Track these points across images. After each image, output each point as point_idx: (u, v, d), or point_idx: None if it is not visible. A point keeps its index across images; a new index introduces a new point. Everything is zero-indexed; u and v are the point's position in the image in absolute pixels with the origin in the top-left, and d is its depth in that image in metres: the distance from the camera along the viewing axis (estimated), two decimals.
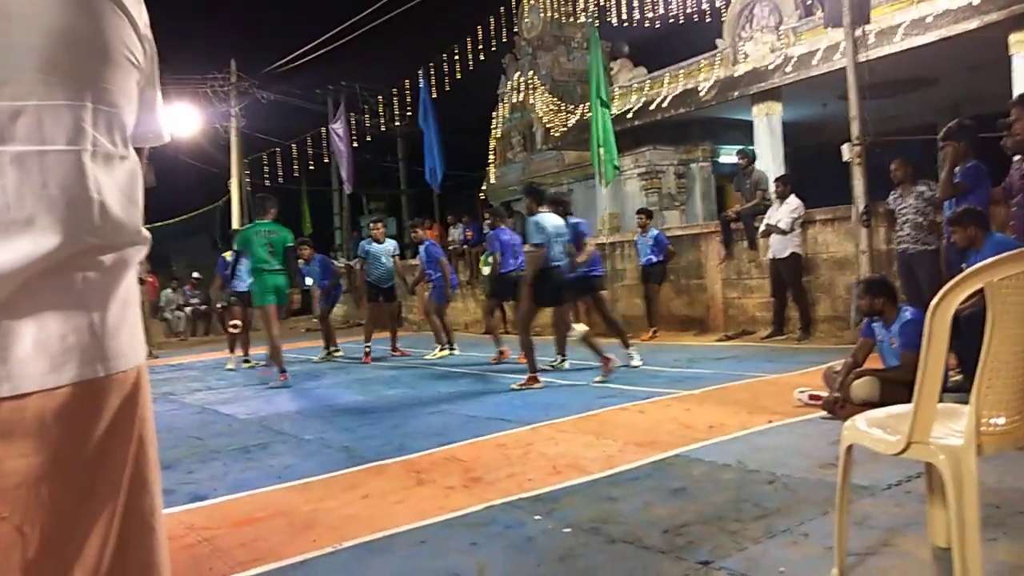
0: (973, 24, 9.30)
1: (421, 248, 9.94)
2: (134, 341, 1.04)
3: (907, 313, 4.63)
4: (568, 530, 2.91)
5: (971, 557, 1.86)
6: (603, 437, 4.46)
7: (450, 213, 15.04)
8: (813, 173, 12.43)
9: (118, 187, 1.01)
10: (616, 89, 14.89)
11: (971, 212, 5.19)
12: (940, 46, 9.76)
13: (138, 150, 1.11)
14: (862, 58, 8.22)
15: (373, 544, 2.90)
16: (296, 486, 3.82)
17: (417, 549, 2.83)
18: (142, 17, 1.08)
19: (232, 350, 10.08)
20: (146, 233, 1.06)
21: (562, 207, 7.27)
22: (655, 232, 10.33)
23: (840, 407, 4.49)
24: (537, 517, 3.09)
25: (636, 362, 7.32)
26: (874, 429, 2.21)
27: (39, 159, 0.93)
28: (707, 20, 13.01)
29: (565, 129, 16.06)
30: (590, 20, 12.60)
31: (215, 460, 4.55)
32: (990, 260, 1.87)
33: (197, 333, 17.66)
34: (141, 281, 13.06)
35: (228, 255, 9.62)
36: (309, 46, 15.74)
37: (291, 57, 16.39)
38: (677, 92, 13.77)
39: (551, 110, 16.54)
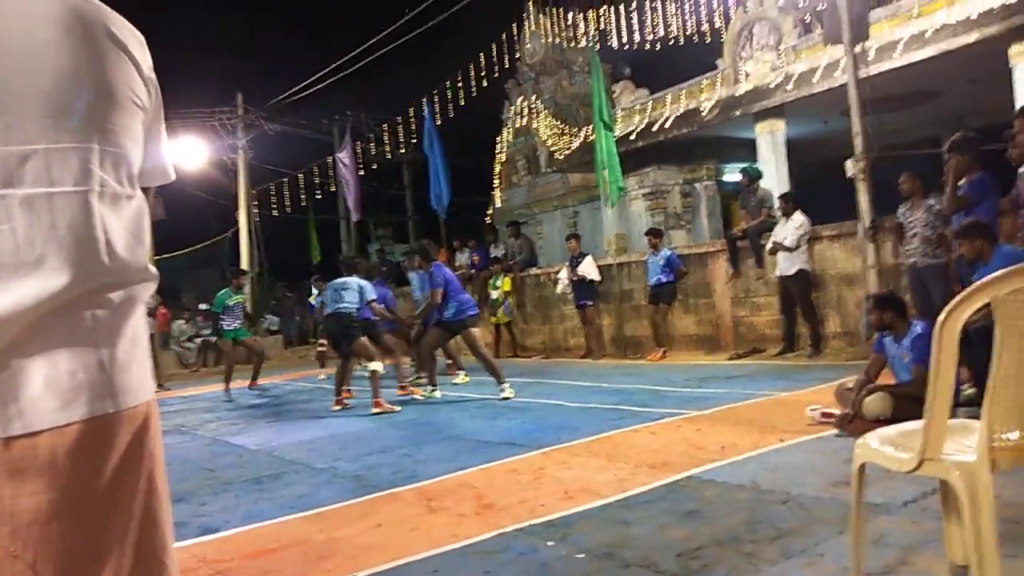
0: (972, 37, 9.34)
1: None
2: (144, 377, 1.05)
3: (918, 327, 4.60)
4: (582, 556, 2.89)
5: (990, 574, 1.83)
6: (615, 460, 4.43)
7: (456, 238, 15.08)
8: (818, 189, 12.42)
9: (125, 226, 1.03)
10: (619, 111, 14.99)
11: (977, 225, 5.18)
12: (940, 60, 9.80)
13: (145, 188, 1.13)
14: (863, 74, 8.25)
15: (387, 573, 2.89)
16: (309, 516, 3.81)
17: None
18: (145, 59, 1.10)
19: (323, 366, 12.06)
20: (154, 270, 1.07)
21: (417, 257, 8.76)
22: (668, 252, 10.33)
23: (849, 422, 4.47)
24: (551, 543, 3.07)
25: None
26: (886, 447, 2.19)
27: (47, 201, 0.95)
28: (707, 40, 13.09)
29: (569, 152, 16.14)
30: (591, 44, 12.70)
31: (227, 491, 4.54)
32: (996, 274, 1.86)
33: (208, 364, 17.72)
34: (152, 313, 13.29)
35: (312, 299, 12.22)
36: (314, 78, 15.91)
37: (296, 89, 16.56)
38: (679, 112, 13.84)
39: (554, 133, 16.64)
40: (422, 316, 8.34)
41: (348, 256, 9.06)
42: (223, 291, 10.56)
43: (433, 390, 8.03)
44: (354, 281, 8.02)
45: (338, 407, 7.81)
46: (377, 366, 7.59)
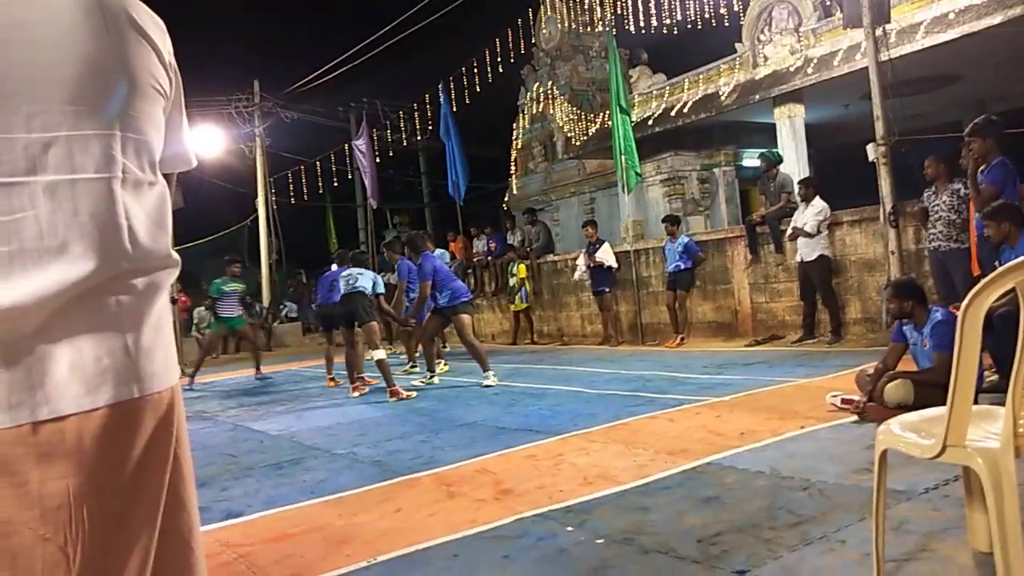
0: (997, 19, 9.18)
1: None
2: (168, 362, 1.06)
3: (938, 314, 4.55)
4: (601, 541, 2.89)
5: (1014, 562, 1.82)
6: (633, 446, 4.43)
7: (473, 225, 15.09)
8: (838, 174, 12.33)
9: (147, 212, 1.03)
10: (636, 96, 14.88)
11: (1007, 207, 5.11)
12: (963, 42, 9.64)
13: (167, 175, 1.13)
14: (883, 57, 8.13)
15: (407, 558, 2.91)
16: (329, 501, 3.84)
17: (450, 563, 2.83)
18: (166, 46, 1.11)
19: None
20: (176, 256, 1.08)
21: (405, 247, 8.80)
22: (685, 239, 10.27)
23: (862, 409, 4.46)
24: (569, 528, 3.07)
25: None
26: (908, 433, 2.18)
27: (70, 187, 0.95)
28: (725, 24, 12.97)
29: (585, 138, 16.06)
30: (608, 28, 12.61)
31: (248, 477, 4.58)
32: (1021, 259, 1.84)
33: (228, 351, 17.86)
34: (173, 300, 13.60)
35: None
36: (330, 65, 15.94)
37: (313, 76, 16.59)
38: (697, 97, 13.72)
39: (571, 119, 16.56)
40: (415, 313, 8.46)
41: (358, 252, 9.16)
42: (220, 278, 10.81)
43: (432, 376, 8.19)
44: (369, 272, 8.17)
45: (356, 393, 7.90)
46: (381, 354, 7.63)
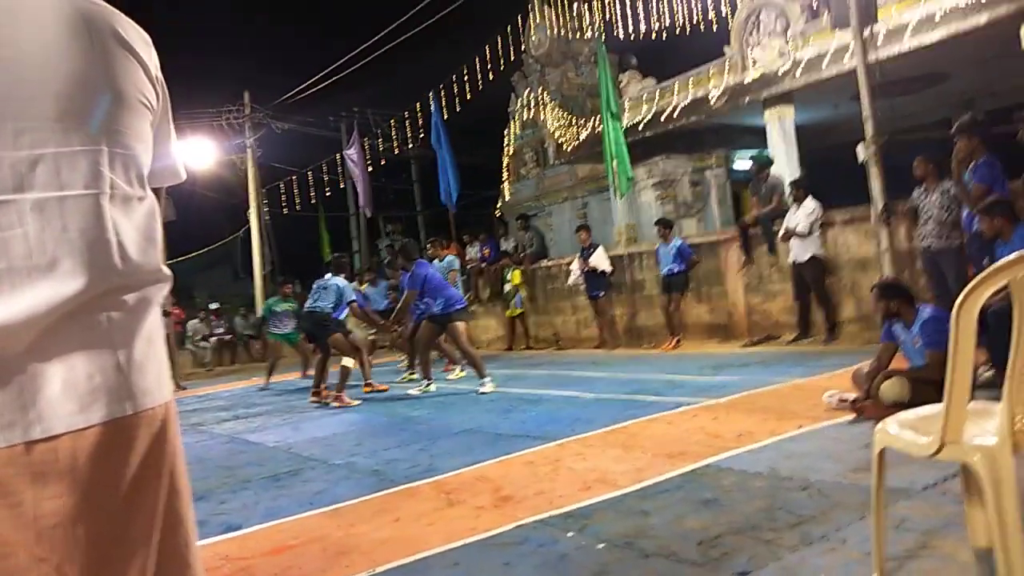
0: (983, 19, 9.23)
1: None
2: (161, 378, 1.05)
3: (926, 311, 4.57)
4: (601, 546, 2.89)
5: (1015, 557, 1.82)
6: (632, 450, 4.43)
7: (466, 232, 15.09)
8: (829, 174, 12.34)
9: (136, 227, 1.03)
10: (626, 101, 14.91)
11: (1000, 202, 5.14)
12: (950, 42, 9.68)
13: (156, 189, 1.13)
14: (872, 58, 8.18)
15: (407, 568, 2.90)
16: (328, 512, 3.83)
17: (451, 571, 2.82)
18: (152, 60, 1.10)
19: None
20: (167, 271, 1.08)
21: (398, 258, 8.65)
22: (678, 242, 10.31)
23: (858, 405, 4.47)
24: (569, 534, 3.07)
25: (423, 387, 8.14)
26: (906, 431, 2.18)
27: (59, 204, 0.95)
28: (714, 28, 13.00)
29: (577, 143, 16.07)
30: (597, 34, 12.64)
31: (246, 489, 4.56)
32: (1014, 256, 1.84)
33: (223, 363, 17.83)
34: (166, 313, 13.64)
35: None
36: (320, 75, 15.93)
37: (303, 87, 16.58)
38: (687, 101, 13.75)
39: (562, 125, 16.56)
40: (398, 319, 8.56)
41: (338, 256, 9.12)
42: (272, 298, 11.31)
43: (428, 384, 8.18)
44: (334, 283, 8.13)
45: (315, 399, 8.19)
46: (349, 363, 7.84)
